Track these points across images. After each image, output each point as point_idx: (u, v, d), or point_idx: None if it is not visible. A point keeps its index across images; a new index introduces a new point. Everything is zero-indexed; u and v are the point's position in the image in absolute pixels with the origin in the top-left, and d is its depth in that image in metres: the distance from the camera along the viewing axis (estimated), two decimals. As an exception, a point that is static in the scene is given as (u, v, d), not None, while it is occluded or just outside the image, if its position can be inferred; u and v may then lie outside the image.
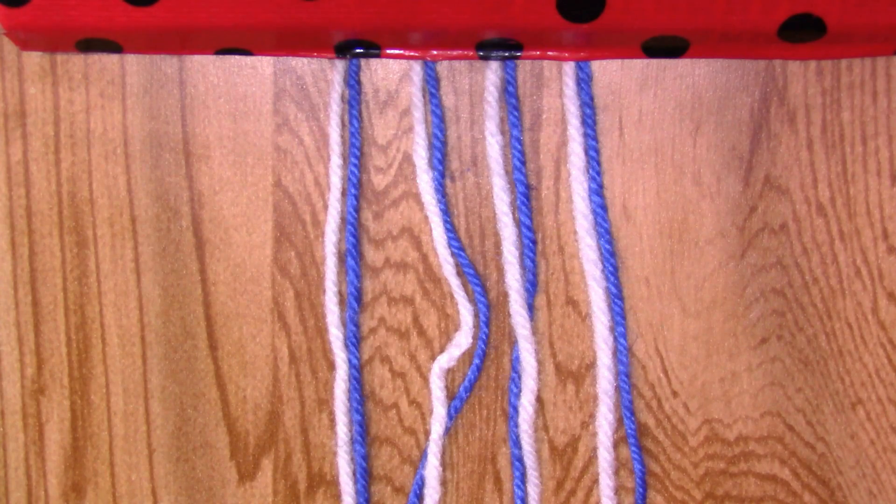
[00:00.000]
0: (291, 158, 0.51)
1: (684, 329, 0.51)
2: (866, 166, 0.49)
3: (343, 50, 0.48)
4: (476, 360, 0.52)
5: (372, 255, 0.52)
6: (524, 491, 0.52)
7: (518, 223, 0.50)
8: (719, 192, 0.50)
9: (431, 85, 0.50)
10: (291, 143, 0.51)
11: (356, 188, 0.51)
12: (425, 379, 0.52)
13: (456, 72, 0.50)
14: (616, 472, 0.52)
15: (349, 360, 0.52)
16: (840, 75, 0.48)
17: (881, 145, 0.49)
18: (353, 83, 0.50)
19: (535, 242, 0.51)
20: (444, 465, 0.53)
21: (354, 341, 0.52)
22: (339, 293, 0.52)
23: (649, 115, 0.49)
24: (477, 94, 0.50)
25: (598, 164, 0.50)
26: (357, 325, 0.52)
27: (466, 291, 0.51)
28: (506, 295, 0.51)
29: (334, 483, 0.54)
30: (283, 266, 0.52)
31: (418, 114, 0.50)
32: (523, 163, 0.50)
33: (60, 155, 0.52)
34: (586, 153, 0.50)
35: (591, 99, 0.49)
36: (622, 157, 0.50)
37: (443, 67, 0.50)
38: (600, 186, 0.50)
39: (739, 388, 0.51)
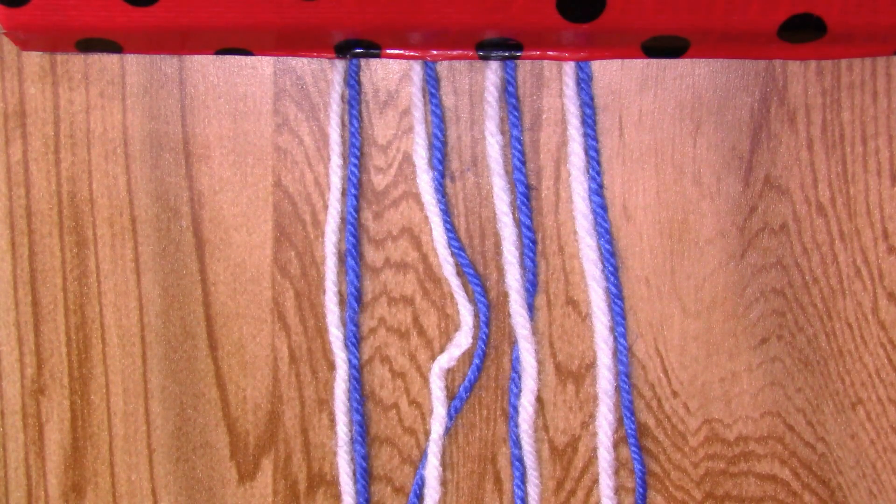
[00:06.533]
0: (291, 158, 0.51)
1: (684, 329, 0.51)
2: (866, 166, 0.49)
3: (343, 50, 0.48)
4: (476, 360, 0.52)
5: (372, 255, 0.52)
6: (524, 491, 0.52)
7: (518, 223, 0.50)
8: (719, 192, 0.50)
9: (431, 85, 0.50)
10: (291, 143, 0.51)
11: (356, 188, 0.51)
12: (425, 379, 0.52)
13: (456, 72, 0.50)
14: (616, 472, 0.52)
15: (349, 360, 0.52)
16: (840, 75, 0.48)
17: (881, 145, 0.49)
18: (353, 83, 0.50)
19: (535, 242, 0.51)
20: (444, 465, 0.53)
21: (354, 341, 0.52)
22: (339, 293, 0.52)
23: (649, 115, 0.49)
24: (477, 94, 0.50)
25: (598, 164, 0.50)
26: (357, 325, 0.52)
27: (466, 291, 0.51)
28: (506, 295, 0.51)
29: (334, 483, 0.54)
30: (283, 266, 0.52)
31: (418, 114, 0.50)
32: (523, 163, 0.50)
33: (60, 155, 0.52)
34: (586, 153, 0.50)
35: (591, 99, 0.49)
36: (622, 157, 0.50)
37: (443, 67, 0.50)
38: (600, 186, 0.50)
39: (739, 388, 0.51)
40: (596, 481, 0.52)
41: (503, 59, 0.48)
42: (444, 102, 0.50)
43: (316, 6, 0.45)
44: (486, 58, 0.48)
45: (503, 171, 0.50)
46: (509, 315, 0.51)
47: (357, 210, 0.51)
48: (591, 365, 0.52)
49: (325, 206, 0.51)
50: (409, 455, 0.53)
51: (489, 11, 0.45)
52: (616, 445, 0.52)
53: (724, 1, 0.44)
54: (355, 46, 0.48)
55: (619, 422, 0.52)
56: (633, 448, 0.52)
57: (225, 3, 0.45)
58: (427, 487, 0.52)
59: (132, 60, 0.51)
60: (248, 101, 0.51)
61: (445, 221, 0.50)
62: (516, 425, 0.52)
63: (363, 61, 0.50)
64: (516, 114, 0.50)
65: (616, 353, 0.51)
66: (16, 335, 0.54)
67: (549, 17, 0.45)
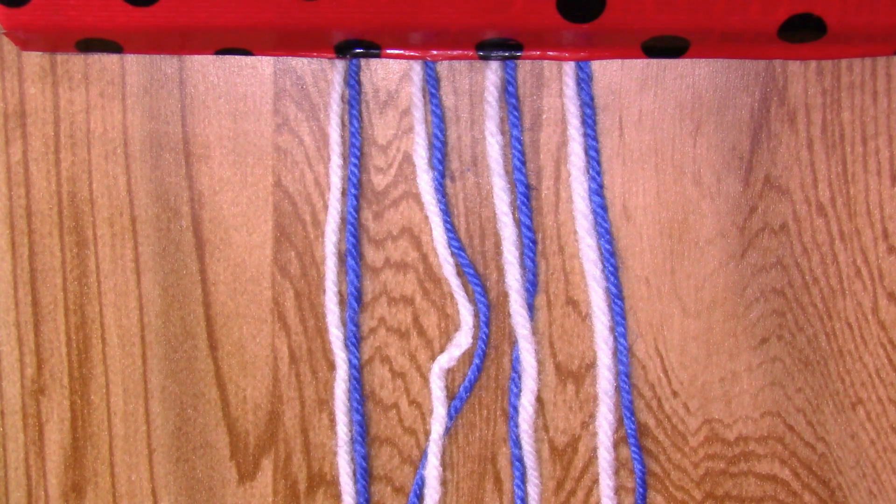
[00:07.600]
0: (291, 158, 0.51)
1: (684, 329, 0.51)
2: (866, 166, 0.49)
3: (343, 50, 0.48)
4: (476, 360, 0.52)
5: (372, 255, 0.52)
6: (524, 491, 0.52)
7: (518, 223, 0.50)
8: (719, 192, 0.50)
9: (431, 85, 0.50)
10: (291, 143, 0.51)
11: (356, 188, 0.51)
12: (425, 379, 0.52)
13: (456, 72, 0.50)
14: (616, 472, 0.52)
15: (349, 360, 0.52)
16: (840, 75, 0.48)
17: (881, 145, 0.49)
18: (353, 83, 0.50)
19: (535, 242, 0.51)
20: (444, 465, 0.53)
21: (354, 341, 0.52)
22: (339, 293, 0.52)
23: (649, 115, 0.49)
24: (477, 94, 0.50)
25: (598, 164, 0.50)
26: (357, 325, 0.52)
27: (466, 291, 0.51)
28: (506, 295, 0.51)
29: (334, 483, 0.54)
30: (283, 266, 0.52)
31: (418, 114, 0.50)
32: (523, 163, 0.50)
33: (60, 155, 0.52)
34: (586, 153, 0.50)
35: (591, 99, 0.49)
36: (622, 157, 0.50)
37: (443, 67, 0.50)
38: (600, 186, 0.50)
39: (739, 388, 0.51)
40: (596, 481, 0.52)
41: (503, 59, 0.48)
42: (444, 102, 0.50)
43: (316, 6, 0.45)
44: (486, 58, 0.48)
45: (503, 171, 0.50)
46: (509, 315, 0.51)
47: (357, 210, 0.51)
48: (591, 365, 0.52)
49: (325, 206, 0.51)
50: (409, 455, 0.53)
51: (489, 11, 0.45)
52: (616, 445, 0.52)
53: (724, 1, 0.44)
54: (355, 46, 0.48)
55: (619, 422, 0.52)
56: (633, 448, 0.52)
57: (225, 3, 0.45)
58: (427, 487, 0.52)
59: (132, 60, 0.51)
60: (248, 101, 0.51)
61: (445, 221, 0.50)
62: (516, 425, 0.52)
63: (363, 61, 0.50)
64: (516, 114, 0.50)
65: (616, 353, 0.51)
66: (16, 335, 0.54)
67: (550, 17, 0.45)
